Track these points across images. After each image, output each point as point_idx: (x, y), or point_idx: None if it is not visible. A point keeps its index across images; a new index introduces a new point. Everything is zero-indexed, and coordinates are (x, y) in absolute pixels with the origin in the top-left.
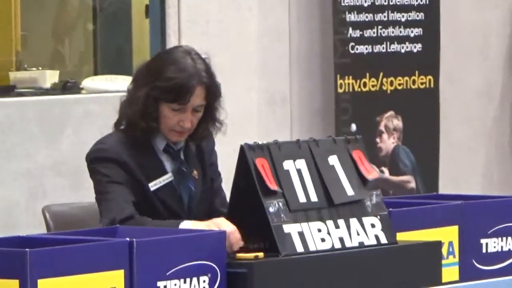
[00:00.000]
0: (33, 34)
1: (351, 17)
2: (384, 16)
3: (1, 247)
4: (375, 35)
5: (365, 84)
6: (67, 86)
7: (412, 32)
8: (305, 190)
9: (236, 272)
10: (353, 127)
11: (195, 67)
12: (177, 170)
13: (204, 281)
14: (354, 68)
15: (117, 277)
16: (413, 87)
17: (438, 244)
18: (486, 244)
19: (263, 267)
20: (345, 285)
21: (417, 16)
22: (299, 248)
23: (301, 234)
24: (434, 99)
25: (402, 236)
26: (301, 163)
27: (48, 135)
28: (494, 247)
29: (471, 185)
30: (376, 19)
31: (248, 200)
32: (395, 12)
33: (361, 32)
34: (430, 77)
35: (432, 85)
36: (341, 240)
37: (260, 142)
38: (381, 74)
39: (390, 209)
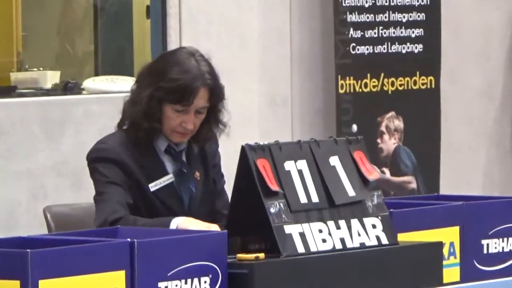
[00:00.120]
0: (34, 35)
1: (352, 17)
2: (385, 17)
3: (2, 248)
4: (376, 35)
5: (366, 85)
6: (68, 87)
7: (413, 32)
8: (306, 191)
9: (237, 273)
10: (354, 127)
11: (199, 69)
12: (178, 171)
13: (205, 282)
14: (355, 69)
15: (118, 277)
16: (414, 87)
17: (439, 244)
18: (487, 244)
19: (264, 267)
20: (346, 286)
21: (418, 16)
22: (300, 248)
23: (302, 235)
24: (435, 100)
25: (403, 237)
26: (302, 164)
27: (49, 135)
28: (495, 247)
29: (472, 185)
30: (377, 20)
31: (249, 200)
32: (396, 13)
33: (362, 33)
34: (431, 77)
35: (433, 86)
36: (342, 240)
37: (261, 143)
38: (382, 74)
39: (391, 209)
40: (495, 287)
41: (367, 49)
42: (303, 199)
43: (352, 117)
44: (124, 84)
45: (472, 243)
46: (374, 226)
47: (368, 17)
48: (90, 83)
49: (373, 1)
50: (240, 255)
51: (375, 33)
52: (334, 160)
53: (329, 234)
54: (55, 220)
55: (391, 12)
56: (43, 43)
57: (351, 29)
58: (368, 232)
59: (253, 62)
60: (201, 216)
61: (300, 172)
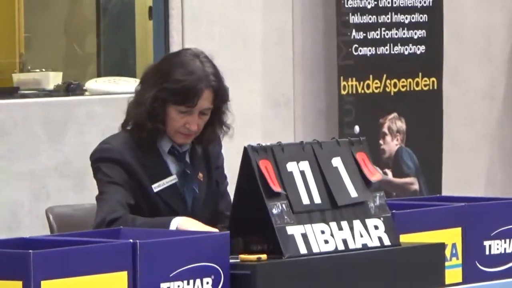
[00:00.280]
0: (37, 36)
1: (355, 19)
2: (388, 18)
3: (5, 249)
4: (378, 37)
5: (368, 86)
6: (70, 88)
7: (415, 34)
8: (309, 192)
9: (240, 273)
10: (357, 129)
11: (204, 70)
12: (182, 172)
13: (207, 283)
14: (358, 70)
15: (121, 278)
16: (416, 89)
17: (442, 246)
18: (490, 246)
19: (266, 268)
20: (348, 286)
21: (421, 18)
22: (302, 250)
23: (304, 236)
24: (437, 101)
25: (406, 238)
26: (305, 165)
27: (51, 136)
28: (498, 249)
29: (474, 186)
30: (380, 21)
31: (251, 201)
32: (399, 14)
33: (364, 34)
34: (433, 79)
35: (435, 87)
36: (345, 242)
37: (263, 144)
38: (385, 76)
39: (394, 211)
40: None
41: (370, 50)
42: (305, 200)
43: (355, 118)
44: (127, 85)
45: (474, 244)
46: (376, 227)
47: (370, 18)
48: (92, 84)
49: (376, 2)
50: (242, 256)
51: (377, 34)
52: (337, 161)
53: (331, 235)
54: (58, 221)
55: (393, 13)
56: (46, 44)
57: (354, 30)
58: (370, 233)
59: (256, 63)
60: (204, 217)
61: (302, 173)
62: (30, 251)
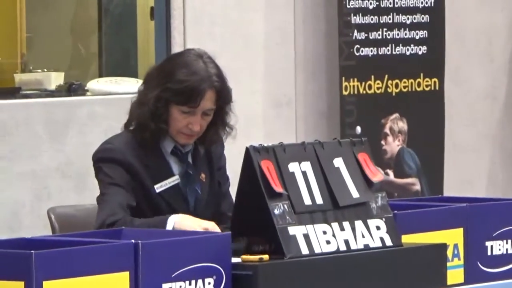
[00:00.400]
0: (38, 36)
1: (356, 19)
2: (389, 19)
3: (6, 249)
4: (380, 37)
5: (370, 87)
6: (72, 88)
7: (417, 34)
8: (310, 192)
9: (241, 274)
10: (358, 129)
11: (207, 71)
12: (184, 172)
13: (209, 283)
14: (359, 70)
15: (122, 279)
16: (418, 89)
17: (443, 246)
18: (491, 246)
19: (268, 269)
20: (350, 287)
21: (422, 18)
22: (304, 250)
23: (306, 236)
24: (439, 101)
25: (407, 239)
26: (307, 165)
27: (53, 136)
28: (499, 249)
29: (476, 187)
30: (381, 21)
31: (253, 202)
32: (400, 15)
33: (366, 34)
34: (435, 79)
35: (437, 87)
36: (346, 242)
37: (265, 144)
38: (386, 76)
39: (395, 211)
40: None
41: (371, 50)
42: (307, 201)
43: (356, 119)
44: (128, 85)
45: (476, 245)
46: (378, 228)
47: (372, 19)
48: (94, 84)
49: (377, 3)
50: (244, 257)
51: (379, 34)
52: (338, 162)
53: (333, 235)
54: (59, 221)
55: (395, 14)
56: (47, 44)
57: (355, 31)
58: (372, 234)
59: (257, 64)
60: (206, 218)
61: (304, 173)
62: (32, 251)
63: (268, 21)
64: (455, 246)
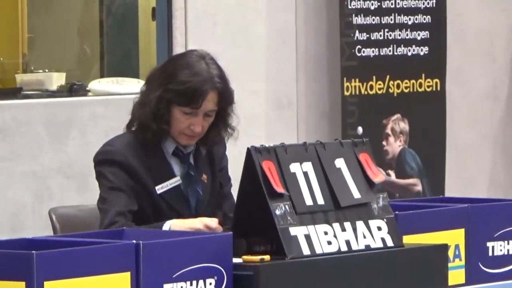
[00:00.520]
0: (40, 37)
1: (358, 20)
2: (391, 19)
3: (8, 249)
4: (381, 38)
5: (371, 87)
6: (73, 89)
7: (418, 35)
8: (312, 193)
9: (243, 274)
10: (360, 130)
11: (209, 72)
12: (186, 173)
13: (210, 284)
14: (361, 71)
15: (124, 279)
16: (419, 90)
17: (445, 247)
18: (493, 247)
19: (269, 269)
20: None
21: (424, 19)
22: (306, 251)
23: (307, 237)
24: (440, 102)
25: (409, 239)
26: (308, 166)
27: (54, 137)
28: (501, 250)
29: (478, 187)
30: (383, 22)
31: (254, 202)
32: (402, 15)
33: (367, 35)
34: (436, 80)
35: (438, 88)
36: (348, 243)
37: (266, 145)
38: (388, 77)
39: (397, 212)
40: None
41: (373, 51)
42: (308, 201)
43: (358, 119)
44: (130, 85)
45: (477, 245)
46: (379, 228)
47: (374, 20)
48: (95, 84)
49: (379, 4)
50: (245, 257)
51: (380, 35)
52: (340, 162)
53: (335, 236)
54: (61, 222)
55: (396, 14)
56: (49, 44)
57: (357, 31)
58: (373, 234)
59: (259, 64)
60: None
61: (305, 174)
62: (33, 251)
63: (269, 22)
64: (456, 246)
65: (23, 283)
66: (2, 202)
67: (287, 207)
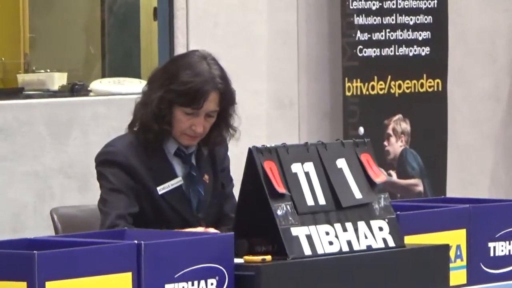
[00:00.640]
0: (41, 37)
1: (359, 20)
2: (392, 19)
3: (9, 249)
4: (383, 38)
5: (373, 87)
6: (75, 89)
7: (420, 35)
8: (313, 193)
9: (244, 275)
10: (361, 130)
11: (210, 72)
12: (187, 174)
13: (212, 284)
14: (362, 71)
15: (125, 279)
16: (421, 90)
17: (446, 247)
18: (494, 247)
19: (271, 270)
20: None
21: (425, 19)
22: (307, 251)
23: (309, 237)
24: (442, 102)
25: (410, 240)
26: (309, 166)
27: (56, 137)
28: (502, 250)
29: (479, 188)
30: (384, 22)
31: (256, 202)
32: (403, 16)
33: (369, 35)
34: (438, 80)
35: (440, 88)
36: (349, 243)
37: (268, 145)
38: (389, 77)
39: (398, 212)
40: None
41: (374, 51)
42: (310, 202)
43: (359, 119)
44: (131, 86)
45: (479, 245)
46: (381, 229)
47: (375, 20)
48: (97, 85)
49: (381, 4)
50: (246, 257)
51: (382, 35)
52: (341, 163)
53: (336, 236)
54: (62, 222)
55: (398, 14)
56: (50, 44)
57: (358, 32)
58: (375, 235)
59: (260, 64)
60: (209, 219)
61: (307, 174)
62: (34, 252)
63: (271, 22)
64: (458, 247)
65: (25, 283)
66: (4, 202)
67: (288, 207)
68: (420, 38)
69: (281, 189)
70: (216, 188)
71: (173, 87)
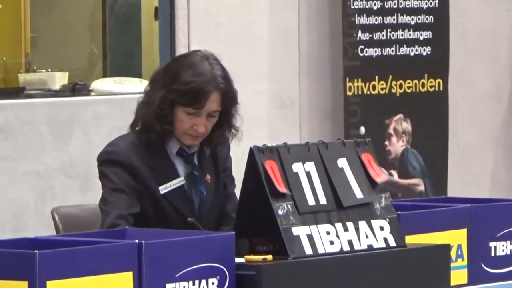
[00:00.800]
0: (43, 36)
1: (361, 20)
2: (394, 19)
3: (10, 249)
4: (384, 38)
5: (374, 87)
6: (76, 88)
7: (421, 35)
8: (314, 193)
9: (245, 274)
10: (362, 130)
11: (212, 72)
12: (189, 174)
13: (213, 283)
14: (363, 71)
15: (126, 279)
16: (422, 90)
17: (447, 247)
18: (495, 247)
19: (272, 269)
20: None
21: (427, 19)
22: (308, 250)
23: (310, 237)
24: (443, 102)
25: (411, 239)
26: (310, 166)
27: (57, 137)
28: (503, 250)
29: (480, 188)
30: (386, 22)
31: (257, 202)
32: (405, 15)
33: (370, 35)
34: (439, 80)
35: (441, 88)
36: (350, 243)
37: (269, 145)
38: (390, 77)
39: (399, 212)
40: None
41: (376, 51)
42: (311, 201)
43: (360, 119)
44: (132, 85)
45: (480, 245)
46: (382, 228)
47: (376, 20)
48: (98, 84)
49: (382, 4)
50: (248, 257)
51: (383, 35)
52: (342, 162)
53: (337, 236)
54: (63, 221)
55: (399, 14)
56: (52, 44)
57: (360, 32)
58: (376, 234)
59: (262, 64)
60: (211, 219)
61: (308, 174)
62: (35, 251)
63: (272, 22)
64: (459, 246)
65: (26, 283)
66: (5, 201)
67: (289, 207)
68: (421, 38)
69: (282, 188)
70: (218, 188)
71: (175, 87)
